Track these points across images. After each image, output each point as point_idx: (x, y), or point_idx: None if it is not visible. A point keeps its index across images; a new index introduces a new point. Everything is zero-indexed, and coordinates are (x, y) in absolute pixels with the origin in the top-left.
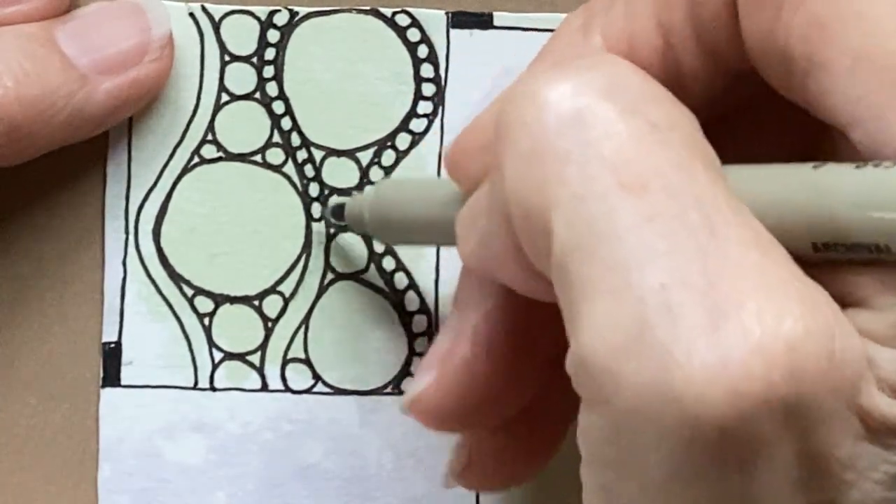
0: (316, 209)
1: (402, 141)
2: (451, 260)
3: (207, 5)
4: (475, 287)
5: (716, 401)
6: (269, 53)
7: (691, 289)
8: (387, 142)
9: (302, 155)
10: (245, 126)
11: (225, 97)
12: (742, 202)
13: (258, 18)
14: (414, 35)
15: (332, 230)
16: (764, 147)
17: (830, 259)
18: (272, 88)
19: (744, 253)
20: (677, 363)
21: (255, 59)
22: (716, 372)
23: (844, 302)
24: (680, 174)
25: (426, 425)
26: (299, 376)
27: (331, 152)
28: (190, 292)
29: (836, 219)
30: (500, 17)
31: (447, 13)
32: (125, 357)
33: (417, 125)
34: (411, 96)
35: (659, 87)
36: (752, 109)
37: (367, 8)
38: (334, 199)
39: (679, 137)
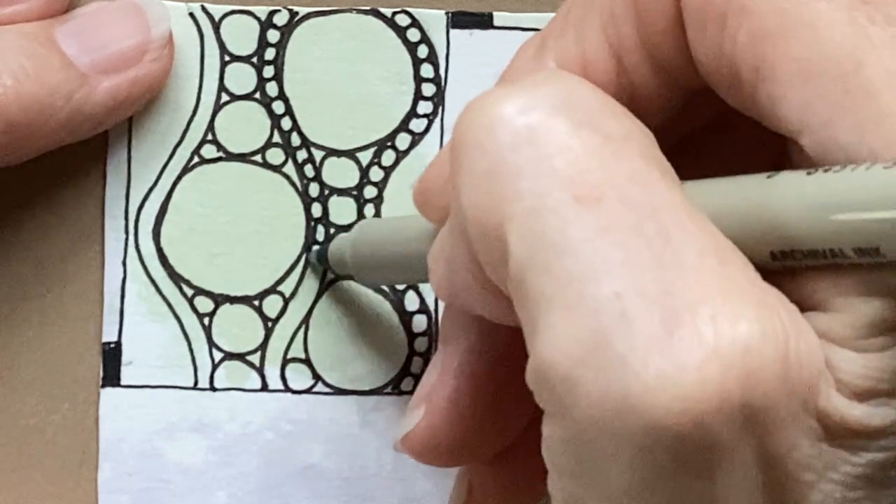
0: (316, 209)
1: (402, 141)
2: None
3: (207, 5)
4: (456, 321)
5: (672, 408)
6: (269, 53)
7: (646, 297)
8: (387, 142)
9: (302, 155)
10: (245, 126)
11: (225, 97)
12: (699, 210)
13: (258, 18)
14: (414, 35)
15: (331, 230)
16: (731, 164)
17: (789, 266)
18: (272, 88)
19: (700, 260)
20: (633, 372)
21: (255, 59)
22: (671, 379)
23: (804, 306)
24: (635, 184)
25: (420, 461)
26: (299, 376)
27: (331, 152)
28: (190, 292)
29: (789, 226)
30: (500, 17)
31: (447, 13)
32: (125, 357)
33: (417, 125)
34: (411, 96)
35: (611, 100)
36: (715, 127)
37: (367, 8)
38: (315, 248)
39: (634, 148)
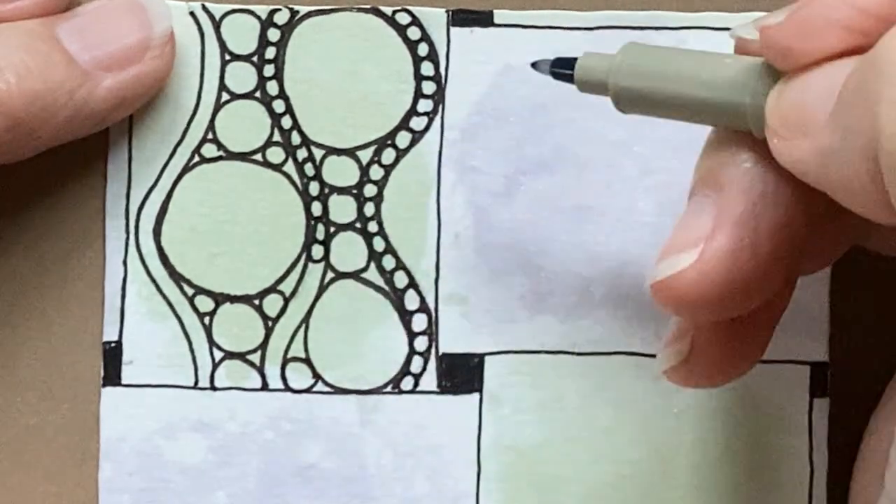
0: (316, 207)
1: (403, 139)
2: (451, 259)
3: (208, 4)
4: (739, 169)
5: None
6: (270, 52)
7: None
8: (387, 140)
9: (302, 154)
10: (245, 125)
11: (225, 96)
12: None
13: (258, 17)
14: (414, 33)
15: (331, 229)
16: None
17: None
18: (272, 87)
19: None
20: None
21: (255, 58)
22: None
23: None
24: None
25: (670, 309)
26: (299, 375)
27: (331, 151)
28: (190, 291)
29: None
30: (500, 15)
31: (447, 11)
32: (125, 356)
33: (418, 123)
34: (411, 94)
35: None
36: None
37: (368, 6)
38: (548, 59)
39: None
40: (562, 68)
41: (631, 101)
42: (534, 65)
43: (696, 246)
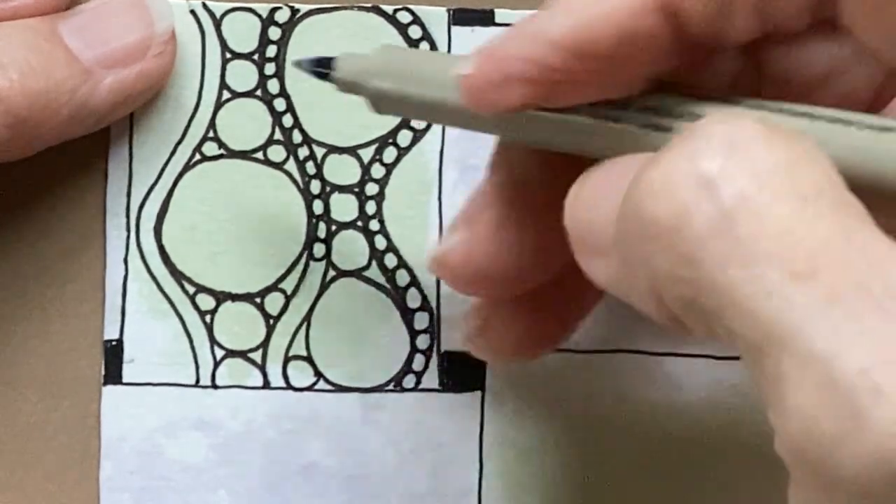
0: (318, 206)
1: (404, 138)
2: None
3: (209, 2)
4: (510, 151)
5: None
6: (271, 51)
7: (893, 365)
8: (388, 139)
9: (303, 152)
10: (246, 123)
11: (226, 94)
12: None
13: (259, 16)
14: (415, 32)
15: (333, 227)
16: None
17: None
18: (273, 86)
19: None
20: None
21: (256, 57)
22: None
23: None
24: (842, 243)
25: (450, 285)
26: (301, 374)
27: (332, 149)
28: (191, 290)
29: None
30: (501, 14)
31: (448, 10)
32: (127, 355)
33: (419, 122)
34: None
35: (785, 142)
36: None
37: (369, 5)
38: (311, 58)
39: (827, 202)
40: (322, 68)
41: (385, 102)
42: (296, 63)
43: (467, 224)
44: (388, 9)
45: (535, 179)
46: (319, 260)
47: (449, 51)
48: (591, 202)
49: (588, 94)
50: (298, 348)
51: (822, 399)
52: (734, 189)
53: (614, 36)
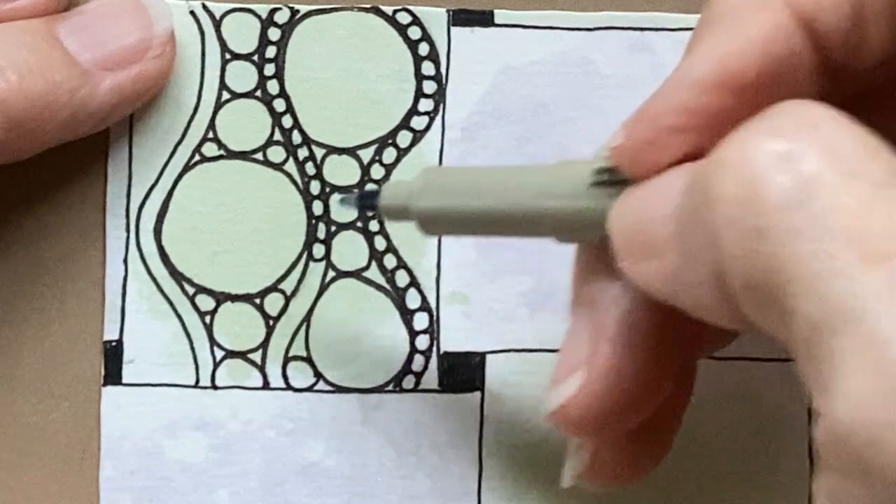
0: (317, 207)
1: (404, 139)
2: (453, 257)
3: (208, 3)
4: (602, 286)
5: None
6: (270, 51)
7: None
8: (388, 139)
9: (303, 153)
10: (246, 124)
11: (226, 95)
12: None
13: (259, 16)
14: (415, 33)
15: (332, 228)
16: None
17: None
18: (273, 86)
19: None
20: None
21: (255, 57)
22: None
23: None
24: None
25: (572, 431)
26: (301, 374)
27: (332, 150)
28: (191, 290)
29: None
30: (501, 15)
31: (448, 11)
32: (126, 355)
33: (418, 123)
34: (412, 94)
35: (868, 135)
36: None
37: (368, 6)
38: (355, 191)
39: None
40: (368, 200)
41: (436, 221)
42: (342, 200)
43: (580, 368)
44: (388, 9)
45: (640, 313)
46: (319, 261)
47: (448, 51)
48: (642, 205)
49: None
50: (298, 349)
51: (876, 384)
52: (811, 164)
53: (759, 62)
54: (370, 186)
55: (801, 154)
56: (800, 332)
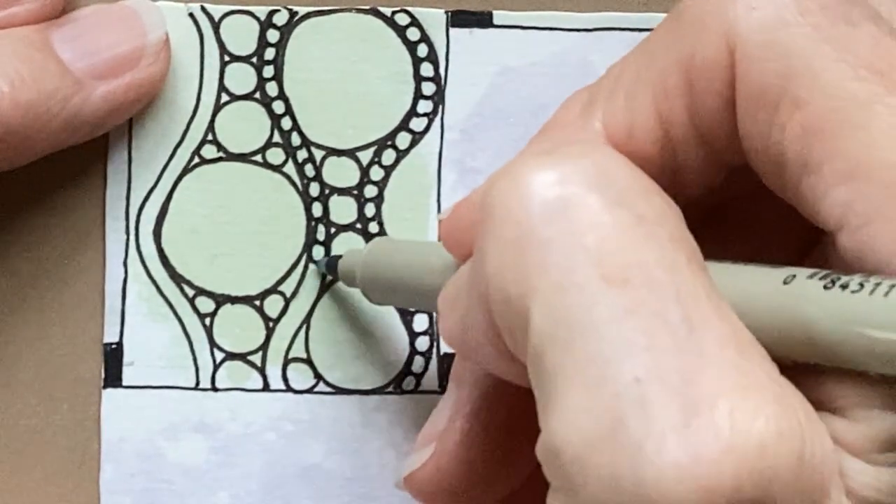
0: (317, 208)
1: (403, 140)
2: None
3: (207, 5)
4: (470, 365)
5: (684, 499)
6: (269, 53)
7: (666, 385)
8: (387, 141)
9: (302, 154)
10: (245, 126)
11: (225, 97)
12: (723, 297)
13: (258, 18)
14: (413, 34)
15: (332, 230)
16: (759, 240)
17: (810, 364)
18: (272, 88)
19: (720, 351)
20: (648, 459)
21: (254, 59)
22: (685, 469)
23: (821, 407)
24: (662, 269)
25: (421, 501)
26: (301, 376)
27: (331, 152)
28: (191, 293)
29: (812, 340)
30: (499, 16)
31: (447, 12)
32: (126, 358)
33: (417, 124)
34: (411, 95)
35: (646, 179)
36: (748, 202)
37: (367, 7)
38: (324, 257)
39: (665, 231)
40: (332, 265)
41: (374, 292)
42: (317, 263)
43: (434, 441)
44: (387, 11)
45: (499, 394)
46: (319, 262)
47: (447, 53)
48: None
49: None
50: (298, 351)
51: (590, 402)
52: (579, 185)
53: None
54: (337, 252)
55: (572, 176)
56: (531, 345)
